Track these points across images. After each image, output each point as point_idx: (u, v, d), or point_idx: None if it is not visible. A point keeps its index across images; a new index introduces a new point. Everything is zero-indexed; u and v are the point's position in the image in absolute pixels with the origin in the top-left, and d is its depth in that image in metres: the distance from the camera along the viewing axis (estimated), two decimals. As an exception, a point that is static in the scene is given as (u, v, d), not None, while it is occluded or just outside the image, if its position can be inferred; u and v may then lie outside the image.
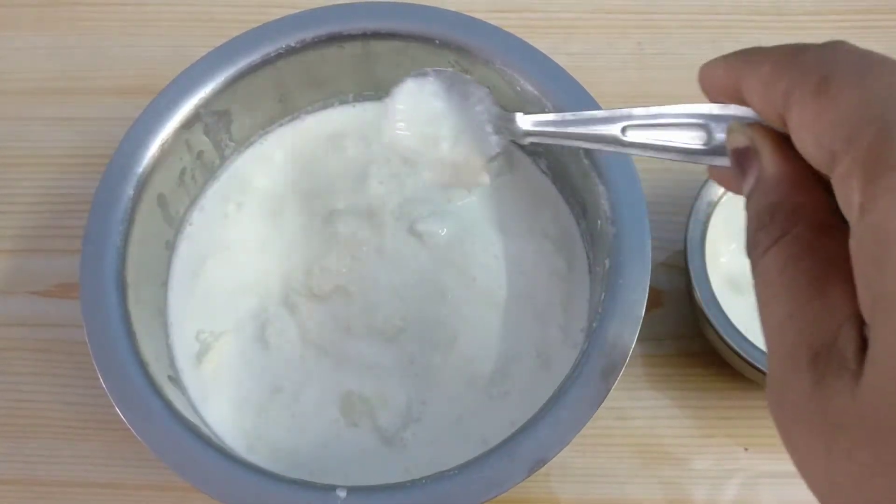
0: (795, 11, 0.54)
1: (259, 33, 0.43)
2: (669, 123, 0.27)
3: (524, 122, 0.31)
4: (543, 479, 0.43)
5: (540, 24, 0.54)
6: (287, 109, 0.46)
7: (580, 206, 0.43)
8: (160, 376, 0.37)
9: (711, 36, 0.53)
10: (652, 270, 0.37)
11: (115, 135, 0.40)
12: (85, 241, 0.38)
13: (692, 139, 0.26)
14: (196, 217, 0.44)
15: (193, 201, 0.44)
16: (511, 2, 0.55)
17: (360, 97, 0.47)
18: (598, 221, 0.39)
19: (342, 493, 0.33)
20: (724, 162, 0.25)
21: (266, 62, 0.42)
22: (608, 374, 0.35)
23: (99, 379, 0.36)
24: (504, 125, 0.32)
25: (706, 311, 0.40)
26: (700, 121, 0.26)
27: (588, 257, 0.43)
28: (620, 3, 0.55)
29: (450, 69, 0.35)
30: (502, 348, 0.41)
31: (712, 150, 0.26)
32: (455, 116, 0.34)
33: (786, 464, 0.45)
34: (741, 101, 0.24)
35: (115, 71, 0.54)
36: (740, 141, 0.24)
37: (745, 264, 0.43)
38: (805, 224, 0.21)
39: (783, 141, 0.23)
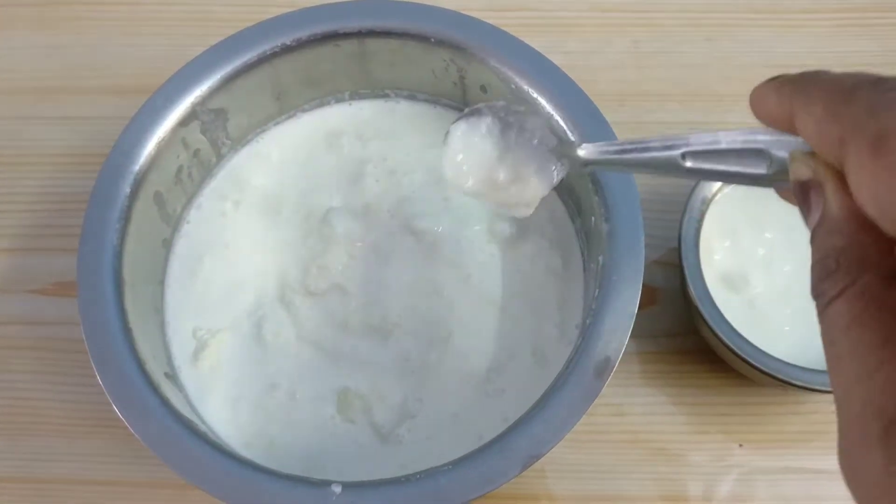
0: (792, 9, 0.54)
1: (255, 31, 0.43)
2: (728, 149, 0.26)
3: (586, 151, 0.31)
4: (538, 475, 0.43)
5: (536, 22, 0.54)
6: (283, 108, 0.46)
7: (575, 203, 0.43)
8: (157, 374, 0.37)
9: (708, 34, 0.54)
10: (646, 268, 0.37)
11: (113, 134, 0.41)
12: (82, 239, 0.38)
13: (753, 164, 0.25)
14: (193, 215, 0.44)
15: (190, 199, 0.45)
16: (508, 0, 0.55)
17: (356, 95, 0.47)
18: (593, 219, 0.39)
19: (337, 489, 0.34)
20: (785, 188, 0.25)
21: (262, 60, 0.43)
22: (602, 371, 0.35)
23: (96, 377, 0.36)
24: (564, 154, 0.32)
25: (700, 307, 0.40)
26: (760, 146, 0.25)
27: (583, 255, 0.43)
28: (617, 2, 0.55)
29: (502, 102, 0.34)
30: (498, 345, 0.41)
31: (776, 175, 0.25)
32: (513, 153, 0.34)
33: (779, 460, 0.45)
34: (796, 132, 0.23)
35: (112, 70, 0.54)
36: (803, 172, 0.22)
37: (738, 262, 0.44)
38: (872, 274, 0.20)
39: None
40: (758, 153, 0.25)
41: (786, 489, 0.43)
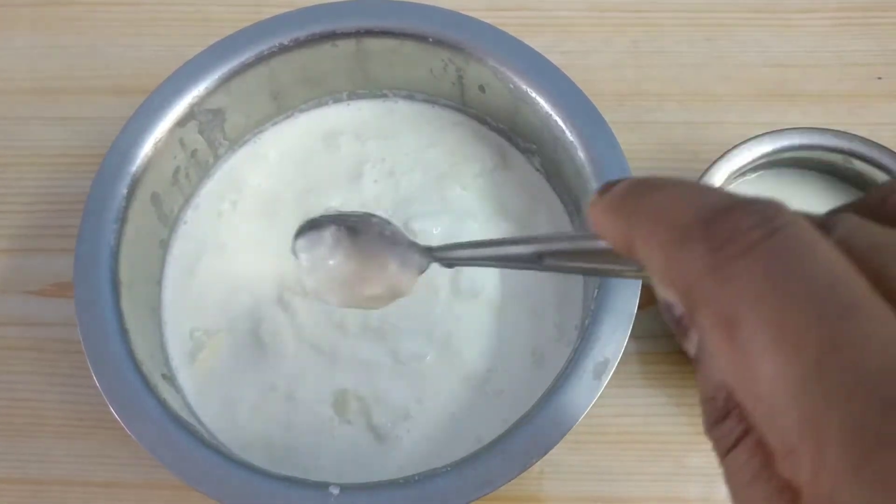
0: (790, 9, 0.54)
1: (253, 31, 0.43)
2: (591, 253, 0.24)
3: (440, 252, 0.31)
4: (537, 477, 0.43)
5: (535, 22, 0.54)
6: (281, 108, 0.46)
7: (574, 203, 0.43)
8: (154, 375, 0.37)
9: (707, 34, 0.53)
10: (646, 268, 0.37)
11: (112, 134, 0.41)
12: (79, 240, 0.38)
13: (620, 262, 0.23)
14: (190, 216, 0.44)
15: (187, 200, 0.44)
16: (506, 0, 0.55)
17: (354, 95, 0.47)
18: (591, 219, 0.39)
19: (335, 491, 0.33)
20: None
21: (260, 60, 0.42)
22: (601, 372, 0.35)
23: (93, 378, 0.36)
24: (421, 251, 0.32)
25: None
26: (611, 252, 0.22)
27: (582, 255, 0.43)
28: (615, 1, 0.55)
29: (334, 228, 0.33)
30: (496, 346, 0.41)
31: (642, 273, 0.23)
32: (367, 252, 0.33)
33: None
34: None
35: (111, 70, 0.54)
36: (670, 298, 0.18)
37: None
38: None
39: None
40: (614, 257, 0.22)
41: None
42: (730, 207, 0.17)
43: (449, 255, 0.31)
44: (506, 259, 0.28)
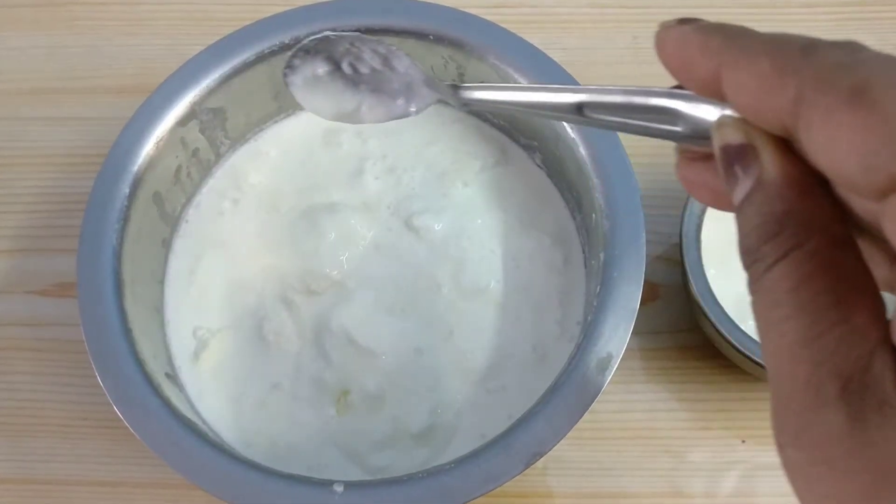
0: (790, 4, 0.54)
1: (253, 30, 0.43)
2: (633, 107, 0.23)
3: (465, 90, 0.27)
4: (540, 473, 0.43)
5: (535, 18, 0.54)
6: (282, 106, 0.46)
7: (575, 199, 0.43)
8: (158, 374, 0.37)
9: (707, 29, 0.53)
10: (648, 264, 0.37)
11: (113, 134, 0.40)
12: (81, 240, 0.38)
13: (663, 121, 0.23)
14: (192, 214, 0.44)
15: (189, 199, 0.44)
16: (506, -3, 0.55)
17: (355, 94, 0.47)
18: (593, 215, 0.39)
19: (339, 488, 0.34)
20: (702, 146, 0.22)
21: (261, 59, 0.42)
22: (604, 368, 0.35)
23: (97, 377, 0.36)
24: (437, 87, 0.29)
25: (702, 303, 0.40)
26: (675, 107, 0.22)
27: (584, 251, 0.43)
28: (615, -3, 0.55)
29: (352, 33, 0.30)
30: (498, 342, 0.41)
31: (689, 135, 0.22)
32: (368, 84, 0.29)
33: (782, 455, 0.45)
34: (715, 93, 0.21)
35: (112, 70, 0.54)
36: (733, 137, 0.20)
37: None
38: (820, 237, 0.18)
39: (783, 141, 0.20)
40: (667, 115, 0.22)
41: (788, 485, 0.43)
42: (819, 41, 0.19)
43: (474, 97, 0.27)
44: (541, 107, 0.26)
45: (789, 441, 0.19)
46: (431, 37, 0.42)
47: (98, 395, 0.36)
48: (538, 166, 0.45)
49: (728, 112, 0.21)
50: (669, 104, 0.22)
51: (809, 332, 0.18)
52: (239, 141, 0.46)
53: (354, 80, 0.29)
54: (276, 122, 0.47)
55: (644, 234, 0.37)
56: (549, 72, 0.41)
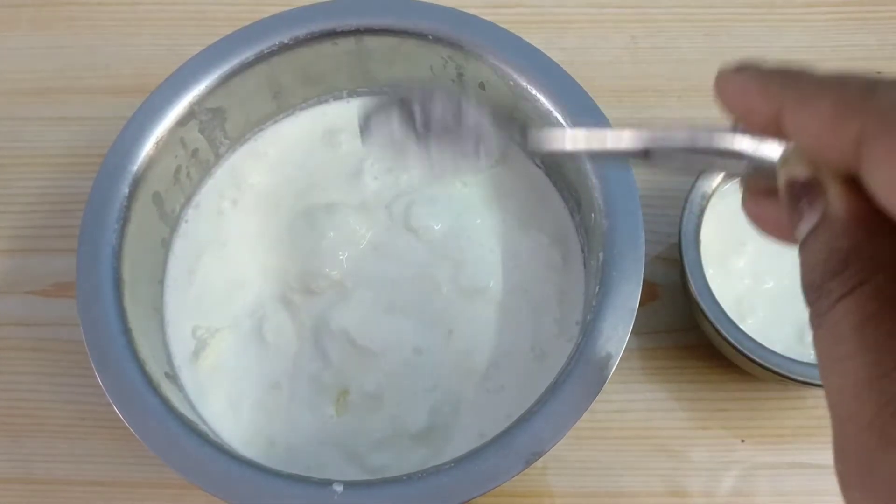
0: (790, 3, 0.54)
1: (253, 30, 0.43)
2: (697, 149, 0.24)
3: (539, 139, 0.28)
4: (539, 472, 0.43)
5: (533, 18, 0.54)
6: (281, 106, 0.46)
7: (574, 199, 0.43)
8: (157, 374, 0.37)
9: (705, 29, 0.53)
10: (647, 264, 0.37)
11: (111, 134, 0.40)
12: (80, 240, 0.38)
13: (725, 164, 0.24)
14: (191, 214, 0.44)
15: (189, 199, 0.45)
16: (505, -3, 0.55)
17: (354, 93, 0.47)
18: (592, 214, 0.39)
19: (339, 488, 0.34)
20: (766, 179, 0.23)
21: (260, 59, 0.42)
22: (603, 367, 0.35)
23: (96, 377, 0.36)
24: (509, 132, 0.30)
25: (701, 303, 0.40)
26: (740, 148, 0.23)
27: (583, 250, 0.43)
28: (614, -3, 0.55)
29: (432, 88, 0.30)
30: (497, 342, 0.41)
31: (750, 173, 0.23)
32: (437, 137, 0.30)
33: (781, 455, 0.45)
34: (777, 133, 0.21)
35: (110, 70, 0.54)
36: (800, 172, 0.21)
37: (738, 255, 0.43)
38: (886, 275, 0.19)
39: (849, 178, 0.20)
40: (735, 152, 0.23)
41: (788, 485, 0.43)
42: (881, 79, 0.19)
43: (545, 149, 0.28)
44: (610, 154, 0.26)
45: (855, 483, 0.19)
46: (431, 37, 0.42)
47: (98, 395, 0.36)
48: (537, 166, 0.45)
49: (793, 147, 0.21)
50: (734, 146, 0.23)
51: (874, 371, 0.18)
52: (238, 141, 0.46)
53: (426, 141, 0.29)
54: (275, 122, 0.47)
55: (643, 234, 0.37)
56: (548, 72, 0.41)
